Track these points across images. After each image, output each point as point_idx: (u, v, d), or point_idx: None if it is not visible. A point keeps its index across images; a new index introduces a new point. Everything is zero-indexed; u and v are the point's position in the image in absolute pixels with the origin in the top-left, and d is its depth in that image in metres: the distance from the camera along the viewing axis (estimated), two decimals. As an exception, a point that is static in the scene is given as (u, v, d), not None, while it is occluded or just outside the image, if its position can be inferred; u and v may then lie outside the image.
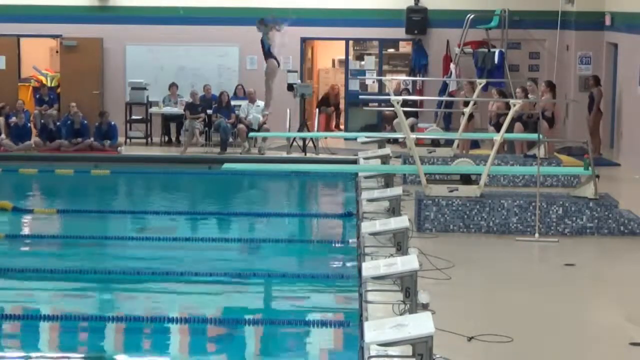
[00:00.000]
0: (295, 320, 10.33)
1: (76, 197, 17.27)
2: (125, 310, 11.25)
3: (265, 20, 22.14)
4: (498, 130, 17.08)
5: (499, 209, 13.36)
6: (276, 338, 10.22)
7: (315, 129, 22.41)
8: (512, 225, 13.34)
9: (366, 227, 11.69)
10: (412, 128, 20.02)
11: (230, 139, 21.61)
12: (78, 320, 10.58)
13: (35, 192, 18.59)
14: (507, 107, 16.62)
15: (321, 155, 20.46)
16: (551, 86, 19.66)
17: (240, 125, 21.61)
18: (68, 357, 10.01)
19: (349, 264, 12.26)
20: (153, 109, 22.62)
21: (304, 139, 20.74)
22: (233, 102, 22.20)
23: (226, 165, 15.71)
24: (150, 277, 12.07)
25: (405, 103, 17.03)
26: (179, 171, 19.70)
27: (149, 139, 22.56)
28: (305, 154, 20.52)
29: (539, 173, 14.00)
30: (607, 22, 21.59)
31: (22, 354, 10.10)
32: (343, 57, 24.53)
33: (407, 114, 16.96)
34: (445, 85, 21.97)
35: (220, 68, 23.15)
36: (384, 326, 7.54)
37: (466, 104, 18.11)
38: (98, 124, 21.48)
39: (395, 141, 20.91)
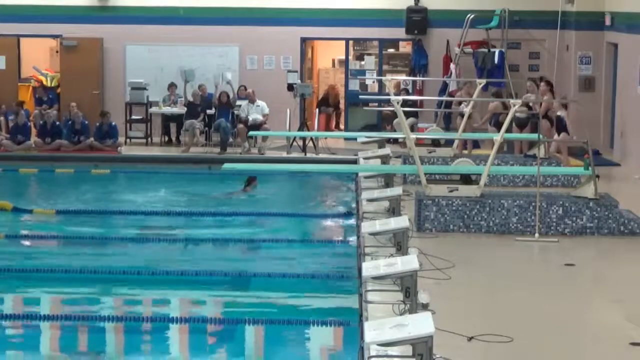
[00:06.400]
0: (295, 320, 10.33)
1: (76, 197, 17.27)
2: (125, 310, 11.26)
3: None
4: (498, 129, 17.09)
5: (499, 209, 13.36)
6: (276, 338, 10.22)
7: (316, 128, 22.42)
8: (512, 225, 13.34)
9: (366, 227, 11.69)
10: (412, 128, 20.02)
11: (230, 139, 21.61)
12: (78, 320, 10.59)
13: (35, 192, 18.59)
14: (505, 107, 16.65)
15: (321, 155, 20.47)
16: (550, 85, 19.68)
17: (240, 125, 21.61)
18: (68, 357, 10.02)
19: (349, 264, 12.26)
20: (153, 109, 22.62)
21: (304, 139, 20.74)
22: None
23: (226, 165, 15.70)
24: (150, 277, 12.07)
25: (405, 103, 17.03)
26: (179, 171, 19.72)
27: (149, 139, 22.56)
28: (305, 154, 20.52)
29: (539, 173, 13.99)
30: (607, 22, 21.58)
31: (23, 354, 10.11)
32: (343, 57, 24.53)
33: (407, 114, 16.96)
34: (445, 85, 21.97)
35: (220, 68, 23.12)
36: (384, 326, 7.54)
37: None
38: (99, 124, 21.48)
39: (395, 141, 20.91)
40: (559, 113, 18.17)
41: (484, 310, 10.00)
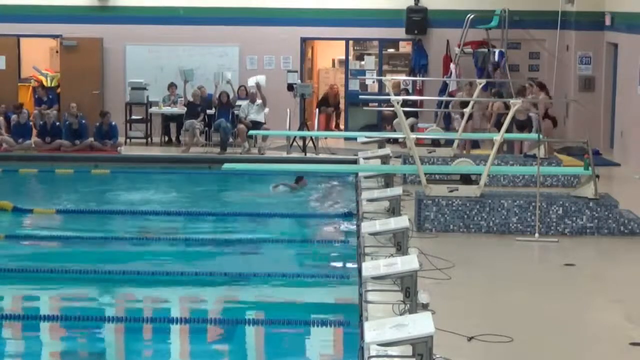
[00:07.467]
0: (295, 320, 10.33)
1: (76, 197, 17.26)
2: (125, 310, 11.26)
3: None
4: (498, 130, 17.09)
5: (499, 209, 13.35)
6: (276, 338, 10.22)
7: (316, 128, 22.42)
8: (512, 225, 13.33)
9: (366, 227, 11.69)
10: (412, 128, 20.02)
11: (230, 139, 21.61)
12: (78, 320, 10.59)
13: (35, 192, 18.59)
14: (506, 107, 16.63)
15: (321, 155, 20.47)
16: (541, 86, 19.74)
17: (240, 125, 21.61)
18: (68, 358, 10.02)
19: (349, 264, 12.26)
20: (153, 109, 22.62)
21: (304, 139, 20.74)
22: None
23: (226, 165, 15.70)
24: (150, 277, 12.07)
25: (405, 103, 17.03)
26: (179, 171, 19.73)
27: (149, 139, 22.56)
28: (305, 154, 20.52)
29: (539, 173, 13.99)
30: (607, 22, 21.58)
31: (22, 354, 10.10)
32: (343, 57, 24.54)
33: (407, 114, 16.97)
34: (445, 85, 21.97)
35: (220, 68, 23.11)
36: (384, 326, 7.54)
37: (464, 104, 18.12)
38: (99, 124, 21.48)
39: (395, 141, 20.91)
40: (530, 114, 18.37)
41: (484, 310, 10.00)
